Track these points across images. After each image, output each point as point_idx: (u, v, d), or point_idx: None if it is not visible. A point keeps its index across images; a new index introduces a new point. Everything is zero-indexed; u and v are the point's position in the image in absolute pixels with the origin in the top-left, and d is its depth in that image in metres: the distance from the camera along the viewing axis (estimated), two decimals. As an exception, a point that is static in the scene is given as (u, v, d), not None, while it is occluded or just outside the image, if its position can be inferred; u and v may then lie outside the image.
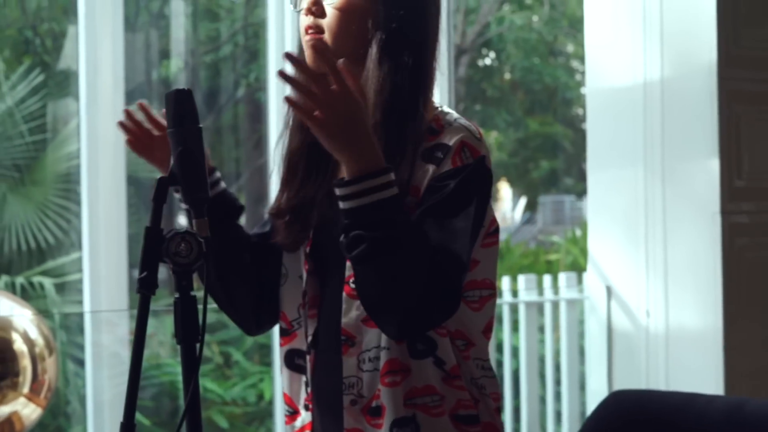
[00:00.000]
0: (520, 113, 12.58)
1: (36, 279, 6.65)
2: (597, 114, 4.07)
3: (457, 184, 1.74)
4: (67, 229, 7.13)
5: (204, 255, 1.69)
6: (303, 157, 1.90)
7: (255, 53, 8.92)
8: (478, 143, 1.80)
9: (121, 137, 2.10)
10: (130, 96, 5.11)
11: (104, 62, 4.56)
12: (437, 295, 1.69)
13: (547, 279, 4.72)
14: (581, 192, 13.71)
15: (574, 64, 13.07)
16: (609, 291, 4.04)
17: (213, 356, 7.27)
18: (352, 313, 1.80)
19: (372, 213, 1.67)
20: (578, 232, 9.72)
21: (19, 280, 6.39)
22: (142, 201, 8.54)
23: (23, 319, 3.14)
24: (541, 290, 4.71)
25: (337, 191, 1.70)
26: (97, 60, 4.55)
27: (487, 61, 12.64)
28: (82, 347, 5.22)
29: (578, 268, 9.02)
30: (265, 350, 7.22)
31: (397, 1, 1.81)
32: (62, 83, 7.53)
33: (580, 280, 4.69)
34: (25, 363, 3.08)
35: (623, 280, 4.03)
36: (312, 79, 1.67)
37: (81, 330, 5.03)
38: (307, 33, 1.84)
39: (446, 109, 1.87)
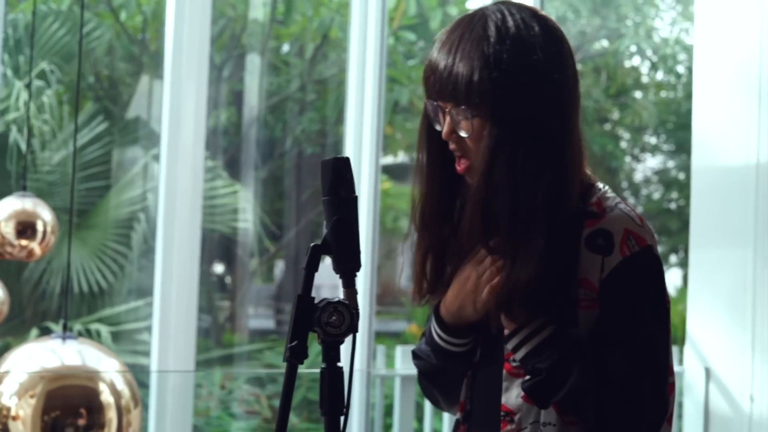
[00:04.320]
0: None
1: (93, 326, 6.64)
2: (703, 193, 4.02)
3: (633, 291, 1.75)
4: (121, 276, 7.14)
5: (355, 327, 1.68)
6: (438, 253, 1.88)
7: (316, 107, 8.96)
8: (642, 230, 1.79)
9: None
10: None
11: (187, 115, 4.59)
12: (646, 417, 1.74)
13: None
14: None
15: (620, 131, 13.06)
16: (708, 372, 3.98)
17: (261, 410, 7.23)
18: (513, 391, 1.79)
19: (543, 350, 1.74)
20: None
21: (77, 326, 6.39)
22: (217, 254, 8.58)
23: (110, 370, 3.12)
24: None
25: (509, 345, 1.77)
26: (181, 113, 4.58)
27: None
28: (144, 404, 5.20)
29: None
30: (313, 406, 7.18)
31: (524, 101, 1.76)
32: (126, 130, 7.59)
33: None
34: (111, 415, 3.06)
35: (725, 362, 3.96)
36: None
37: (144, 384, 5.01)
38: (456, 154, 1.83)
39: (609, 192, 1.86)
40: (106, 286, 7.03)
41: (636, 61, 12.15)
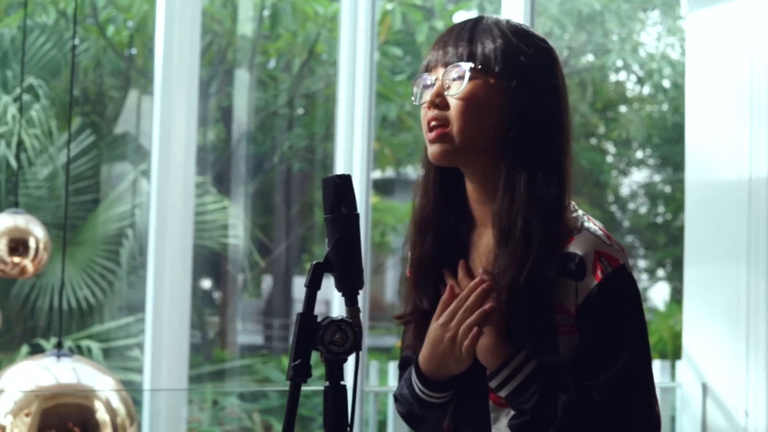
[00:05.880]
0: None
1: (84, 342, 6.62)
2: (697, 208, 4.04)
3: (611, 314, 1.73)
4: (110, 292, 7.12)
5: (359, 345, 1.67)
6: (434, 260, 1.86)
7: (304, 123, 8.97)
8: (611, 249, 1.75)
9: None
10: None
11: (177, 131, 4.58)
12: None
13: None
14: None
15: (606, 146, 13.10)
16: (705, 388, 3.99)
17: (254, 426, 7.21)
18: (502, 420, 1.78)
19: (526, 389, 1.72)
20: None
21: (68, 343, 6.36)
22: (205, 269, 8.56)
23: (106, 388, 3.11)
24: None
25: (491, 384, 1.76)
26: (171, 129, 4.57)
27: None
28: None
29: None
30: (306, 422, 7.16)
31: (527, 96, 1.77)
32: (114, 145, 7.57)
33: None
34: (106, 433, 3.05)
35: (721, 377, 3.97)
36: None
37: (137, 402, 4.99)
38: (430, 128, 1.80)
39: (574, 210, 1.81)
40: (95, 303, 7.00)
41: (622, 75, 12.20)
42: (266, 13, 8.48)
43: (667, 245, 12.72)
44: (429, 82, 1.82)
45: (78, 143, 7.27)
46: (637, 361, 1.73)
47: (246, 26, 8.44)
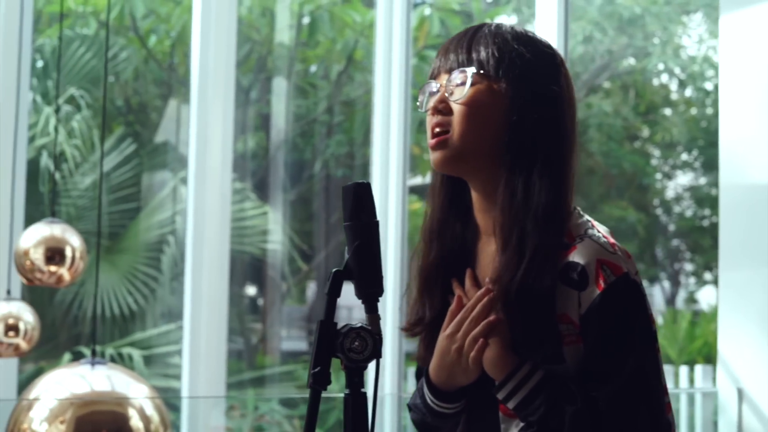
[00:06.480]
0: (596, 197, 12.53)
1: (125, 350, 6.67)
2: (731, 211, 3.99)
3: (614, 323, 1.70)
4: (152, 299, 7.17)
5: (379, 353, 1.67)
6: (440, 269, 1.85)
7: (344, 129, 8.98)
8: (615, 257, 1.72)
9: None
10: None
11: (214, 138, 4.61)
12: None
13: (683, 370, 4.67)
14: (653, 278, 13.56)
15: (651, 149, 13.02)
16: (740, 393, 3.94)
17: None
18: (512, 431, 1.76)
19: (533, 400, 1.70)
20: (659, 320, 9.56)
21: (109, 350, 6.41)
22: (249, 276, 8.61)
23: (139, 395, 3.13)
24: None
25: (499, 396, 1.74)
26: (207, 136, 4.60)
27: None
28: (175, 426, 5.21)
29: (664, 358, 8.88)
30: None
31: (529, 102, 1.76)
32: (154, 154, 7.63)
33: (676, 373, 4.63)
34: (140, 440, 3.06)
35: (758, 382, 3.92)
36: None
37: (175, 408, 5.02)
38: (432, 134, 1.79)
39: (579, 217, 1.78)
40: (137, 310, 7.06)
41: (664, 78, 12.12)
42: (305, 21, 8.51)
43: (713, 248, 12.61)
44: (434, 89, 1.82)
45: (119, 152, 7.34)
46: (643, 370, 1.70)
47: (284, 34, 8.47)
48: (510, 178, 1.74)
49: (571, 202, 1.78)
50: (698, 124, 12.28)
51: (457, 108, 1.77)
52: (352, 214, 1.71)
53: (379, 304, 1.71)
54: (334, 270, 1.73)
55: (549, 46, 1.83)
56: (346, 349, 1.66)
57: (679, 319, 9.99)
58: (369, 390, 1.69)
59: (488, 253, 1.82)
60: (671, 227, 13.64)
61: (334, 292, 1.71)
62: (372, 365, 1.68)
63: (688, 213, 13.46)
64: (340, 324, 1.68)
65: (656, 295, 14.00)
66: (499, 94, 1.76)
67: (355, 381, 1.67)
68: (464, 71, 1.78)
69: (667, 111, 12.47)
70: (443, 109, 1.78)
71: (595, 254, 1.71)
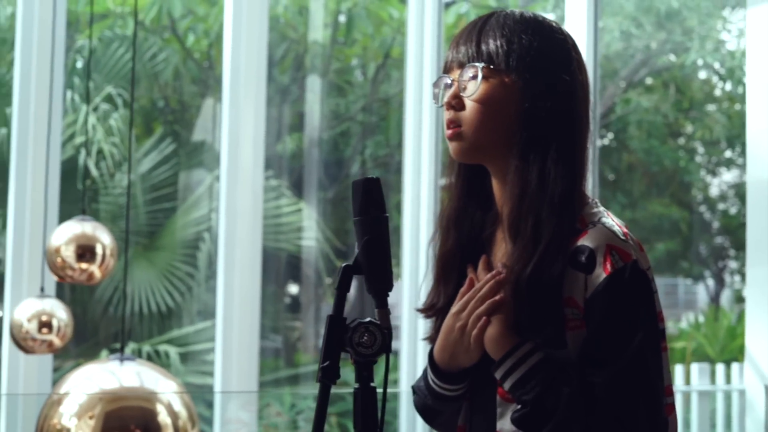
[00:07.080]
0: (637, 194, 12.45)
1: (162, 347, 6.71)
2: (758, 208, 3.95)
3: (617, 308, 1.70)
4: (189, 296, 7.22)
5: (388, 347, 1.68)
6: (457, 256, 1.87)
7: (381, 128, 8.98)
8: (625, 244, 1.72)
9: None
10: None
11: (246, 137, 4.63)
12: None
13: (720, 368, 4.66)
14: (697, 276, 13.45)
15: (694, 145, 12.91)
16: (768, 390, 3.91)
17: (331, 429, 7.24)
18: (507, 416, 1.76)
19: (529, 380, 1.70)
20: (700, 318, 9.50)
21: (146, 347, 6.46)
22: (290, 274, 8.64)
23: (168, 390, 3.16)
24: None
25: (497, 375, 1.75)
26: (239, 135, 4.63)
27: (605, 142, 12.55)
28: (207, 421, 5.24)
29: (704, 356, 8.81)
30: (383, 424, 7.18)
31: (540, 92, 1.77)
32: (192, 153, 7.68)
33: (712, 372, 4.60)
34: (168, 435, 3.09)
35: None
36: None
37: (208, 404, 5.05)
38: (448, 127, 1.83)
39: (595, 206, 1.80)
40: (174, 307, 7.11)
41: (703, 74, 12.01)
42: (341, 19, 8.52)
43: (757, 246, 12.49)
44: (448, 83, 1.84)
45: (159, 152, 7.40)
46: (644, 360, 1.69)
47: (318, 32, 8.49)
48: (524, 166, 1.76)
49: (585, 189, 1.79)
50: (741, 120, 12.17)
51: (469, 104, 1.80)
52: (362, 209, 1.73)
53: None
54: (343, 264, 1.74)
55: (560, 31, 1.84)
56: (355, 344, 1.67)
57: (721, 317, 9.90)
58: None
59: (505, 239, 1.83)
60: (715, 225, 13.52)
61: (344, 287, 1.73)
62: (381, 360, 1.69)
63: (733, 210, 13.34)
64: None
65: (700, 293, 13.89)
66: (510, 86, 1.79)
67: (365, 375, 1.69)
68: (475, 66, 1.80)
69: (712, 107, 12.36)
70: (456, 104, 1.82)
71: (605, 239, 1.72)
